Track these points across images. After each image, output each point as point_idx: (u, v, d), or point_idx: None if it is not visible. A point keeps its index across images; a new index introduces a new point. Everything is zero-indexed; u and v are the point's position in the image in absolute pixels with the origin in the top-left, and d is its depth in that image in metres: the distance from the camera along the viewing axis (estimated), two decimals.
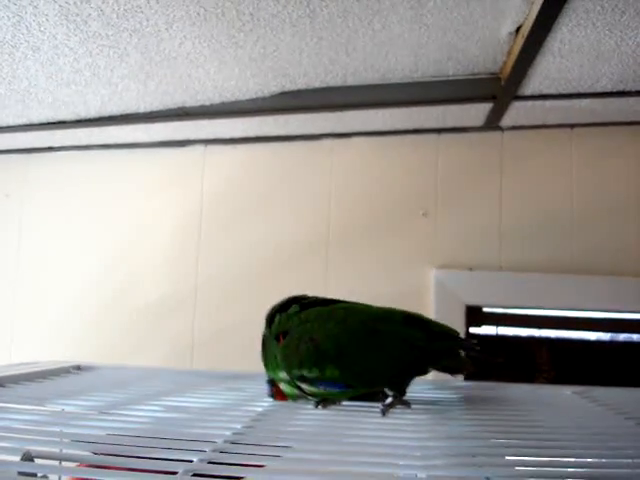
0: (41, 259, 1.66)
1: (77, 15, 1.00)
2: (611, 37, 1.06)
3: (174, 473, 0.49)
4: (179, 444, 0.57)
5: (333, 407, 0.80)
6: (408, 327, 0.82)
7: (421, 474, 0.52)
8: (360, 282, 1.50)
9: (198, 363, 1.54)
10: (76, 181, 1.68)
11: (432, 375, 0.89)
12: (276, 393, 0.84)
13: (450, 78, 1.27)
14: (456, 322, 1.42)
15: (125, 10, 0.99)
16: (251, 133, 1.55)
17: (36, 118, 1.44)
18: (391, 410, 0.76)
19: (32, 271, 1.67)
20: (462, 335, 0.87)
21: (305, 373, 0.78)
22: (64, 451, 0.57)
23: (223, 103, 1.36)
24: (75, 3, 0.96)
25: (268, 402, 0.83)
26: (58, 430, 0.63)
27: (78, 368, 1.10)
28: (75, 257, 1.65)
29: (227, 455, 0.55)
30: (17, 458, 0.52)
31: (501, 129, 1.51)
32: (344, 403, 0.82)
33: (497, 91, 1.26)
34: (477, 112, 1.39)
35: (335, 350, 0.78)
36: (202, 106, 1.37)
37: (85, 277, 1.64)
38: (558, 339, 1.51)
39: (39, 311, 1.65)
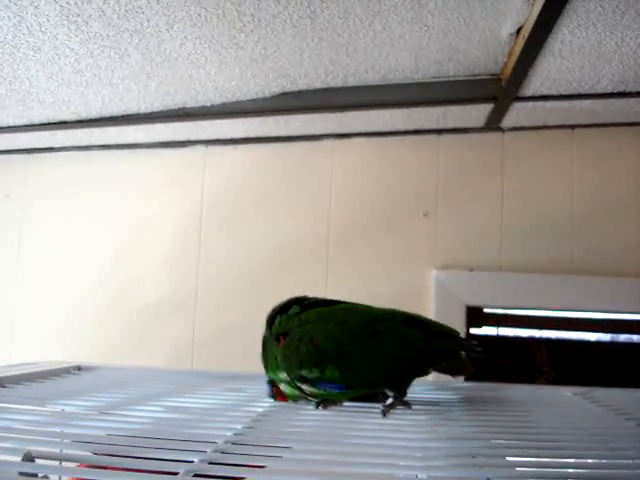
0: (41, 259, 1.67)
1: (78, 16, 1.00)
2: (612, 38, 1.07)
3: (175, 474, 0.49)
4: (180, 444, 0.57)
5: (333, 408, 0.80)
6: (408, 327, 0.82)
7: (422, 475, 0.52)
8: (360, 282, 1.50)
9: (198, 363, 1.54)
10: (77, 181, 1.68)
11: (432, 376, 0.89)
12: (276, 394, 0.84)
13: (451, 79, 1.27)
14: (456, 323, 1.42)
15: (126, 11, 0.99)
16: (252, 134, 1.55)
17: (37, 118, 1.44)
18: (392, 411, 0.76)
19: (32, 271, 1.67)
20: (462, 336, 0.87)
21: (305, 374, 0.78)
22: (64, 451, 0.57)
23: (224, 104, 1.36)
24: (76, 4, 0.97)
25: (268, 403, 0.83)
26: (59, 430, 0.63)
27: (78, 368, 1.10)
28: (75, 257, 1.65)
29: (228, 455, 0.55)
30: (17, 458, 0.52)
31: (502, 130, 1.51)
32: (345, 404, 0.82)
33: (498, 92, 1.26)
34: (478, 113, 1.39)
35: (335, 351, 0.78)
36: (203, 107, 1.37)
37: (86, 277, 1.64)
38: (558, 340, 1.51)
39: (39, 311, 1.65)
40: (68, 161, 1.68)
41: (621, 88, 1.26)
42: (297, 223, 1.55)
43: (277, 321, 0.85)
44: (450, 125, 1.49)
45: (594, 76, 1.21)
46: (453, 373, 0.90)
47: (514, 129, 1.50)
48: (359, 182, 1.55)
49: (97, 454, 0.55)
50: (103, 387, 0.91)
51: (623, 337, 1.51)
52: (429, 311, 1.44)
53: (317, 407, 0.80)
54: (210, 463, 0.52)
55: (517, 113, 1.39)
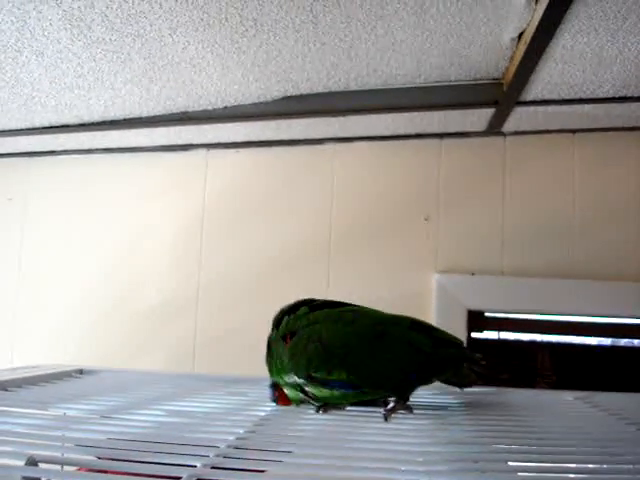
0: (43, 263, 1.67)
1: (81, 20, 1.01)
2: (613, 43, 1.07)
3: (178, 478, 0.49)
4: (182, 449, 0.57)
5: (335, 412, 0.80)
6: (415, 332, 0.82)
7: None
8: (362, 286, 1.50)
9: (200, 367, 1.54)
10: (78, 185, 1.68)
11: None
12: (279, 398, 0.84)
13: (452, 83, 1.27)
14: (458, 327, 1.42)
15: (129, 15, 1.00)
16: (254, 137, 1.56)
17: (39, 122, 1.45)
18: (393, 415, 0.76)
19: (34, 274, 1.67)
20: (465, 342, 0.87)
21: (312, 373, 0.78)
22: (66, 455, 0.57)
23: (226, 107, 1.36)
24: (79, 8, 0.97)
25: (270, 407, 0.83)
26: (60, 434, 0.64)
27: (80, 372, 1.10)
28: (77, 260, 1.65)
29: (231, 460, 0.55)
30: (19, 462, 0.52)
31: (503, 134, 1.51)
32: (346, 408, 0.82)
33: (499, 96, 1.27)
34: (479, 117, 1.39)
35: (343, 350, 0.79)
36: (205, 110, 1.37)
37: (87, 280, 1.64)
38: (559, 344, 1.51)
39: (41, 314, 1.65)
40: (70, 164, 1.68)
41: (623, 93, 1.26)
42: (299, 227, 1.55)
43: (284, 321, 0.85)
44: (452, 129, 1.49)
45: (596, 81, 1.21)
46: (456, 384, 0.90)
47: (515, 133, 1.50)
48: (361, 186, 1.55)
49: (100, 458, 0.55)
50: (105, 391, 0.91)
51: (624, 341, 1.51)
52: (430, 315, 1.44)
53: (318, 411, 0.80)
54: (213, 467, 0.52)
55: (519, 117, 1.39)
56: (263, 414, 0.78)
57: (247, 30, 1.05)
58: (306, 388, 0.80)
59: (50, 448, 0.57)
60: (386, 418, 0.75)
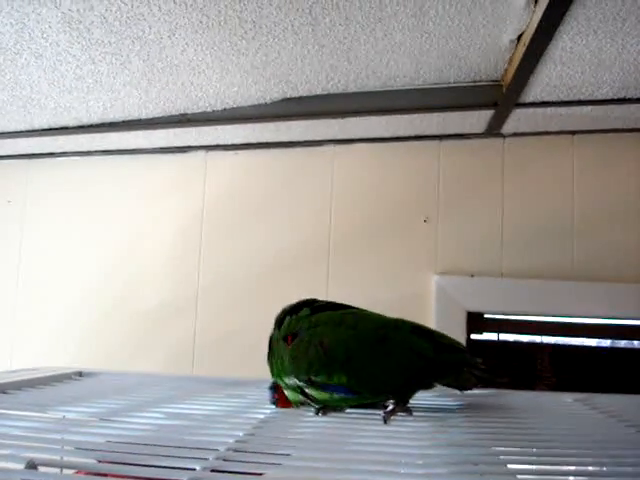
0: (43, 264, 1.67)
1: (80, 22, 1.01)
2: (612, 45, 1.07)
3: None
4: (182, 452, 0.57)
5: (334, 414, 0.80)
6: (417, 337, 0.82)
7: None
8: (361, 287, 1.50)
9: (199, 369, 1.54)
10: (78, 187, 1.68)
11: None
12: (279, 400, 0.84)
13: (451, 85, 1.27)
14: (457, 328, 1.42)
15: (128, 18, 1.00)
16: (252, 139, 1.56)
17: (38, 124, 1.45)
18: (392, 417, 0.76)
19: (33, 277, 1.67)
20: (465, 344, 0.87)
21: (313, 376, 0.78)
22: (66, 459, 0.57)
23: (225, 109, 1.36)
24: (78, 10, 0.97)
25: (269, 409, 0.83)
26: (60, 437, 0.63)
27: (79, 374, 1.10)
28: (76, 262, 1.65)
29: (230, 463, 0.55)
30: (18, 465, 0.52)
31: (502, 136, 1.51)
32: (345, 410, 0.82)
33: (498, 98, 1.27)
34: (478, 119, 1.39)
35: (344, 355, 0.78)
36: (204, 112, 1.37)
37: (86, 282, 1.64)
38: (559, 345, 1.51)
39: (40, 316, 1.65)
40: (69, 167, 1.68)
41: (622, 94, 1.27)
42: (298, 228, 1.55)
43: (286, 322, 0.85)
44: (451, 131, 1.50)
45: (595, 82, 1.21)
46: (456, 387, 0.90)
47: (515, 135, 1.50)
48: (360, 187, 1.55)
49: (101, 461, 0.55)
50: (104, 393, 0.91)
51: (623, 343, 1.51)
52: (429, 316, 1.44)
53: (317, 413, 0.80)
54: (212, 470, 0.52)
55: (518, 119, 1.39)
56: (262, 417, 0.78)
57: (246, 32, 1.05)
58: (306, 390, 0.80)
59: (49, 451, 0.57)
60: (385, 420, 0.75)
